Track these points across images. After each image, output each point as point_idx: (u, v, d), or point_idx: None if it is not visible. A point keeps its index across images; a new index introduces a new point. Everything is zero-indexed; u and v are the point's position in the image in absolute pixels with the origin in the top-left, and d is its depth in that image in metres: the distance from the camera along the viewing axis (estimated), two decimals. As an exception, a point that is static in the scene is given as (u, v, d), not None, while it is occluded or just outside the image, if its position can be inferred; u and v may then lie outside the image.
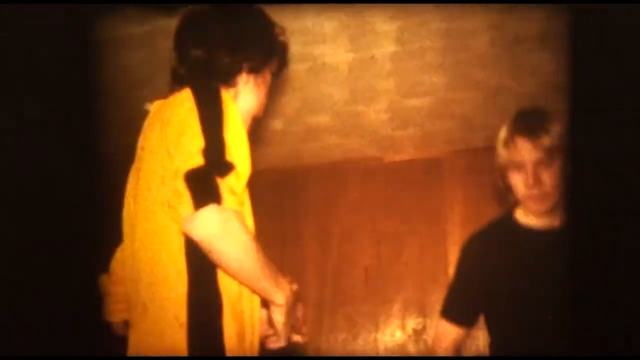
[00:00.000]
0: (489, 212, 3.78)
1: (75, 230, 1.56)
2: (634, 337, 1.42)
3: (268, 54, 1.86)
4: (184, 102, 1.62)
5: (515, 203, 2.18)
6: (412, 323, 2.99)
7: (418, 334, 3.58)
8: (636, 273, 1.43)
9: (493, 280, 2.15)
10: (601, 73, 1.49)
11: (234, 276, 1.54)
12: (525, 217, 2.17)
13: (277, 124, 3.64)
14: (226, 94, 1.67)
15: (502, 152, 2.14)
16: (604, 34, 1.50)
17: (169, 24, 1.90)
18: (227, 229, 1.46)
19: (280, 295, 1.59)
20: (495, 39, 2.99)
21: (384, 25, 2.96)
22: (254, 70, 1.83)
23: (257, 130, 3.76)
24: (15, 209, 1.50)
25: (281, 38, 1.90)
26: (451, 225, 3.85)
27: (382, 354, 3.76)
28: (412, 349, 2.98)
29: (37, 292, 1.50)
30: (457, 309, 2.24)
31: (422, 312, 3.63)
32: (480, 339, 3.03)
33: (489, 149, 3.77)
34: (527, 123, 2.08)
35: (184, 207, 1.46)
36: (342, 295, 3.80)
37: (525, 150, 2.05)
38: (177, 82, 1.79)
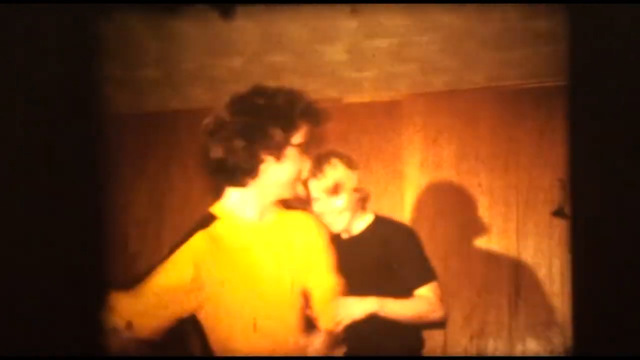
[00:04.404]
0: (446, 155, 3.82)
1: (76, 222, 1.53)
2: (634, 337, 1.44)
3: (288, 131, 1.98)
4: None
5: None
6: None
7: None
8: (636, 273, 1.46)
9: None
10: (599, 72, 1.48)
11: None
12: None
13: (236, 62, 3.57)
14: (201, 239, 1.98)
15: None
16: (601, 33, 1.48)
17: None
18: None
19: None
20: (459, -20, 2.95)
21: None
22: (276, 152, 1.97)
23: (215, 68, 3.69)
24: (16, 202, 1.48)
25: (306, 109, 2.05)
26: (408, 167, 3.87)
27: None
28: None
29: (35, 290, 1.47)
30: None
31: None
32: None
33: (449, 93, 3.80)
34: (316, 168, 2.68)
35: None
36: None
37: (316, 191, 2.74)
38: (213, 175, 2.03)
